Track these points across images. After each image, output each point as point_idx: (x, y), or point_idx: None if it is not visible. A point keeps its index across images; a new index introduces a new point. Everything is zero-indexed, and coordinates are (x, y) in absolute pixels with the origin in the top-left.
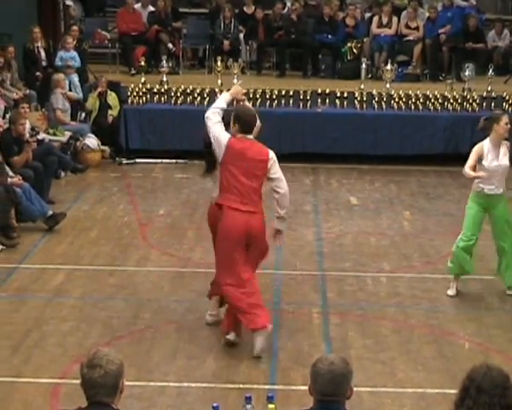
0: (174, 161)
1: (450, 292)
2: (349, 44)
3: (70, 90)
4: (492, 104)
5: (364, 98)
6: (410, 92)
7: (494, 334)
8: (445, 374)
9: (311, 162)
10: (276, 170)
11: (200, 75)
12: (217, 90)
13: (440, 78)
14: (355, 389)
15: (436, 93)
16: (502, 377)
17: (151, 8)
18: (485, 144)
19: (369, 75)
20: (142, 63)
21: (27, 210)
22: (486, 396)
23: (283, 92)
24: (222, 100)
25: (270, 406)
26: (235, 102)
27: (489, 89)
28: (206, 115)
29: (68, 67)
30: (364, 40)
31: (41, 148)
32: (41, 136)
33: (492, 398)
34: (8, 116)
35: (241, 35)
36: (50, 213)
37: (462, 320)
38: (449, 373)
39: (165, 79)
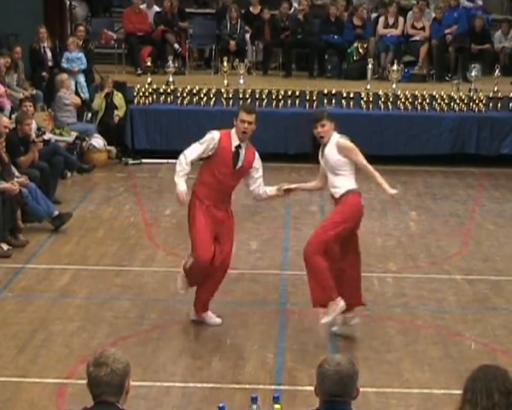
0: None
1: None
2: (355, 45)
3: (76, 90)
4: (499, 105)
5: (371, 99)
6: (417, 93)
7: (500, 334)
8: (452, 375)
9: (318, 163)
10: None
11: (206, 75)
12: (223, 90)
13: (447, 78)
14: (361, 389)
15: (442, 93)
16: (498, 369)
17: (157, 9)
18: None
19: (376, 75)
20: (149, 63)
21: (33, 210)
22: (482, 383)
23: (289, 93)
24: None
25: (276, 406)
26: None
27: (495, 89)
28: None
29: (74, 72)
30: (370, 40)
31: (47, 148)
32: (47, 136)
33: (489, 383)
34: (14, 116)
35: (248, 35)
36: (56, 213)
37: (469, 321)
38: (455, 374)
39: (171, 79)
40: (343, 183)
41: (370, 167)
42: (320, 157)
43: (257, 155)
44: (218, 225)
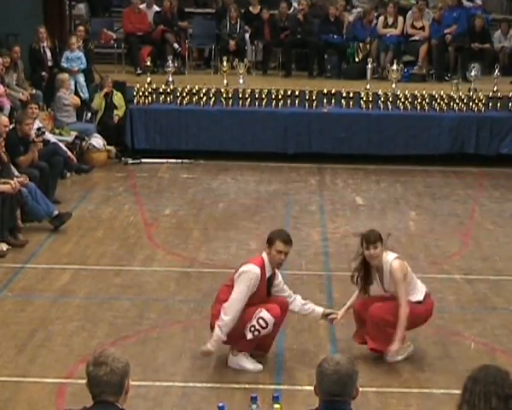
0: (180, 160)
1: None
2: (355, 45)
3: (76, 89)
4: (498, 104)
5: (370, 98)
6: (416, 92)
7: (500, 334)
8: (451, 374)
9: (317, 162)
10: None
11: (205, 75)
12: (222, 90)
13: (446, 78)
14: (361, 389)
15: (442, 93)
16: (499, 371)
17: (156, 8)
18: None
19: (375, 75)
20: (148, 63)
21: (33, 210)
22: (481, 385)
23: (289, 92)
24: None
25: (276, 406)
26: None
27: (495, 89)
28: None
29: (74, 72)
30: (373, 42)
31: (47, 148)
32: (47, 136)
33: (488, 387)
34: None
35: (247, 35)
36: (56, 212)
37: (468, 320)
38: (454, 373)
39: (170, 79)
40: (413, 294)
41: (402, 309)
42: (374, 279)
43: (277, 271)
44: None
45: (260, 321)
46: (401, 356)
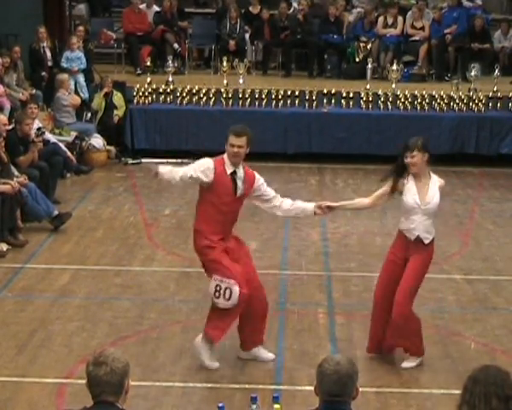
0: (180, 160)
1: None
2: (355, 44)
3: (76, 89)
4: (498, 104)
5: (370, 98)
6: (416, 92)
7: (500, 334)
8: (451, 374)
9: (317, 162)
10: None
11: (205, 75)
12: (222, 90)
13: (446, 78)
14: (361, 389)
15: (442, 93)
16: (499, 372)
17: (156, 8)
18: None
19: (375, 75)
20: (148, 63)
21: (33, 210)
22: (482, 386)
23: (289, 92)
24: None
25: (276, 406)
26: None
27: (495, 89)
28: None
29: (74, 71)
30: (374, 42)
31: (47, 148)
32: (47, 136)
33: (488, 387)
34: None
35: (247, 35)
36: (56, 213)
37: (468, 321)
38: (455, 374)
39: (170, 79)
40: (433, 228)
41: None
42: (411, 195)
43: (256, 174)
44: (233, 254)
45: (227, 291)
46: (415, 362)
